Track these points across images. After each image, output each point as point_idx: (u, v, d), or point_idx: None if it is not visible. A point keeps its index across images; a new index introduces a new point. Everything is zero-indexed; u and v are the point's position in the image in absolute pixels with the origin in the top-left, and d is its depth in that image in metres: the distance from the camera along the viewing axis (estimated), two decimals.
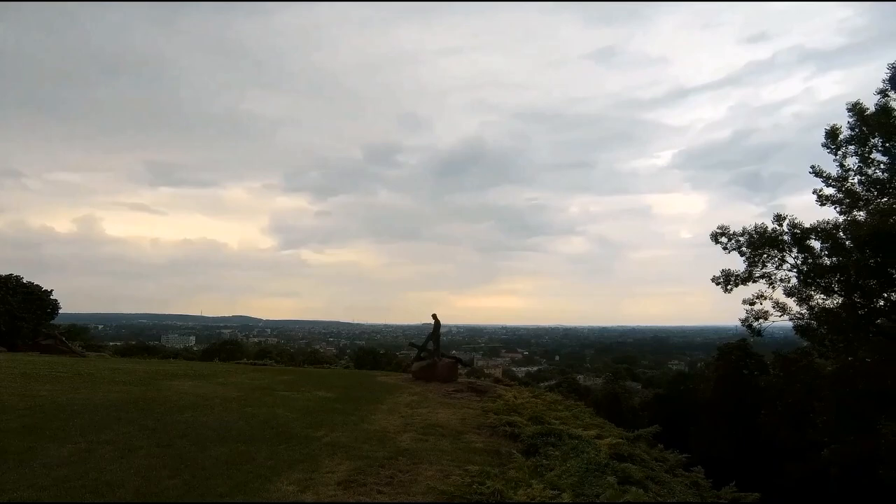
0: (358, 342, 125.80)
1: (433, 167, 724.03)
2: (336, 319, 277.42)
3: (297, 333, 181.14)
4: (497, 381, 21.44)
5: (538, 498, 4.72)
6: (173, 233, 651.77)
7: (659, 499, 6.45)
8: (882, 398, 14.14)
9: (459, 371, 22.39)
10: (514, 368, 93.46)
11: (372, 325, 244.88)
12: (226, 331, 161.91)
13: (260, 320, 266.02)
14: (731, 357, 34.87)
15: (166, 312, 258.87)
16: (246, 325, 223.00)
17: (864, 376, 13.74)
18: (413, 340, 24.98)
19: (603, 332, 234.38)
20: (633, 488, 5.89)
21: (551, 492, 4.96)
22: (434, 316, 16.80)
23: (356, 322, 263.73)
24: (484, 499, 4.75)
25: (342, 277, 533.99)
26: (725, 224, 15.35)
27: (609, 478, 5.81)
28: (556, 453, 7.17)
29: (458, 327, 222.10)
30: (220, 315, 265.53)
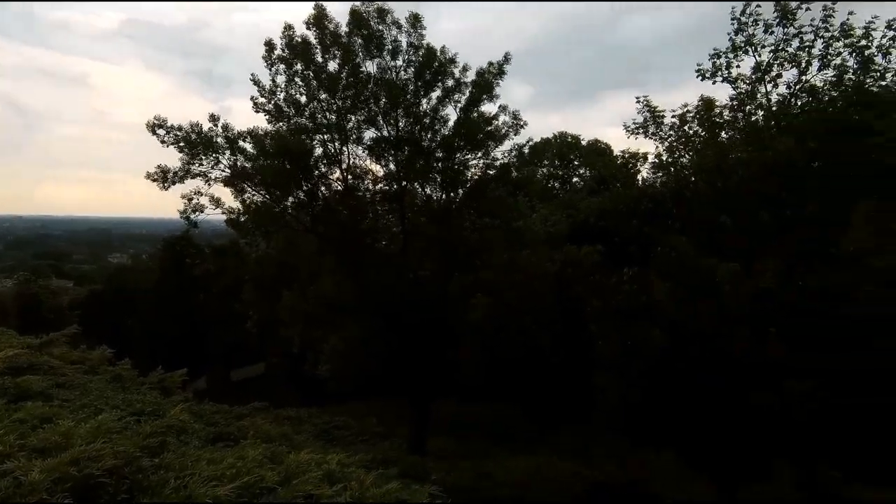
0: None
1: None
2: None
3: None
4: None
5: None
6: None
7: (67, 403, 5.95)
8: (287, 277, 18.48)
9: None
10: None
11: None
12: None
13: None
14: (176, 248, 36.29)
15: None
16: None
17: (275, 262, 17.56)
18: None
19: (18, 221, 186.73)
20: (31, 402, 5.14)
21: None
22: None
23: None
24: None
25: None
26: (164, 116, 14.50)
27: None
28: None
29: None
30: None
